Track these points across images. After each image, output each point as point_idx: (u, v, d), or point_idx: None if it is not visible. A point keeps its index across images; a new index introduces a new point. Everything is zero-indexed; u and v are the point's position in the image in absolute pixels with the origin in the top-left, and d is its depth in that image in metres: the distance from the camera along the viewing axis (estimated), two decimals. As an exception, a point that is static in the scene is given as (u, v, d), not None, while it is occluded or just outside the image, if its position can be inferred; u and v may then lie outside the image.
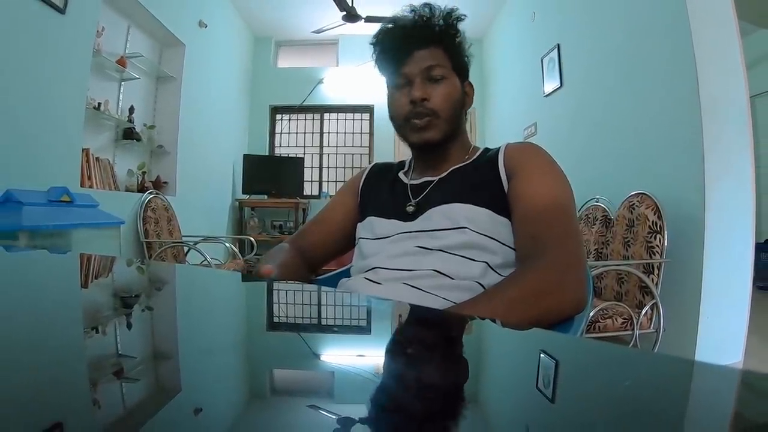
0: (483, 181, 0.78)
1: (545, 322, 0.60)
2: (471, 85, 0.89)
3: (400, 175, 0.92)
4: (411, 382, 0.27)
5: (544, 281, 0.62)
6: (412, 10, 0.82)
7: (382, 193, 0.91)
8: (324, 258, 0.96)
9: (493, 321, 0.52)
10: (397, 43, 0.82)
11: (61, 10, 2.17)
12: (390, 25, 0.83)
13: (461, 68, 0.85)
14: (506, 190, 0.76)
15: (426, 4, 0.83)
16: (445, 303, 0.69)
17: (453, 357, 0.33)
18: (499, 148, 0.83)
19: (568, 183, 0.76)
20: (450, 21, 0.83)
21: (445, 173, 0.84)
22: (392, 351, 0.35)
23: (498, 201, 0.75)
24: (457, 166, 0.84)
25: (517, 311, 0.59)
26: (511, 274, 0.69)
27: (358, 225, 0.89)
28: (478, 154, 0.86)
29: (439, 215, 0.77)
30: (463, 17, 0.84)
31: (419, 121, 0.80)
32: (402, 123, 0.83)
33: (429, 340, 0.38)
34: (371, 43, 0.86)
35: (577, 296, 0.62)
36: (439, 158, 0.86)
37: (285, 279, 0.81)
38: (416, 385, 0.27)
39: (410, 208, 0.82)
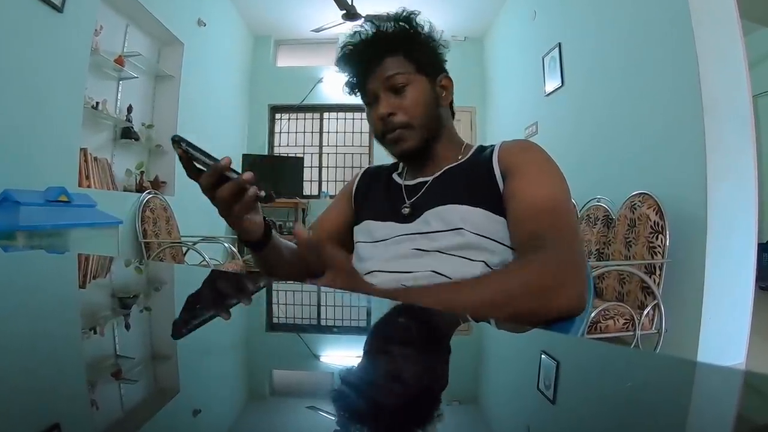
0: (478, 181, 0.77)
1: (543, 317, 0.60)
2: (448, 77, 0.87)
3: (394, 176, 0.92)
4: (409, 382, 0.27)
5: (548, 276, 0.61)
6: (358, 29, 0.82)
7: (376, 195, 0.90)
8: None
9: (488, 320, 0.52)
10: (357, 63, 0.82)
11: (59, 9, 2.16)
12: (347, 48, 0.83)
13: (428, 66, 0.83)
14: (501, 190, 0.75)
15: (374, 17, 0.82)
16: None
17: (451, 358, 0.33)
18: (493, 147, 0.82)
19: (565, 179, 0.75)
20: (401, 24, 0.81)
21: (438, 173, 0.83)
22: (389, 351, 0.34)
23: (493, 200, 0.74)
24: (451, 165, 0.83)
25: (517, 302, 0.59)
26: (514, 263, 0.68)
27: (355, 228, 0.89)
28: (472, 152, 0.85)
29: (435, 217, 0.76)
30: (415, 14, 0.82)
31: (392, 136, 0.81)
32: (380, 139, 0.84)
33: (426, 341, 0.37)
34: (337, 70, 0.86)
35: (578, 294, 0.61)
36: (428, 161, 0.85)
37: (294, 270, 0.81)
38: (414, 385, 0.26)
39: (406, 210, 0.82)
